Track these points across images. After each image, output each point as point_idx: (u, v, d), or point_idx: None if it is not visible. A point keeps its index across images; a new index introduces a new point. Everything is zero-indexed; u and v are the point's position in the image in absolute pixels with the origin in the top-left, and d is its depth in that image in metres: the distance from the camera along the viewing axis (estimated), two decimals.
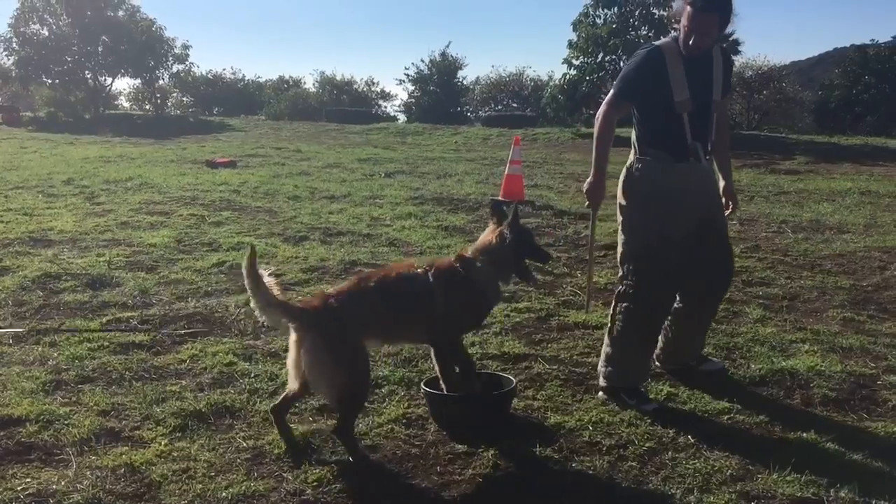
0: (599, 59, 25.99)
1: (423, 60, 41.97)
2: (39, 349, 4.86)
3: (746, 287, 6.46)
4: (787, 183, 13.75)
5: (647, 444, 3.67)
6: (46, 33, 33.92)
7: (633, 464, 3.51)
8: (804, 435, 3.77)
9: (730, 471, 3.43)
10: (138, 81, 38.62)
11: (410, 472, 3.47)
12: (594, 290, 5.89)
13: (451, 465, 3.51)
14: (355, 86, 44.54)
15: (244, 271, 3.46)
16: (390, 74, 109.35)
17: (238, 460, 3.52)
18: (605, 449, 3.64)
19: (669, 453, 3.60)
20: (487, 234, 3.91)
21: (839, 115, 30.61)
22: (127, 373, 4.49)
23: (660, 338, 4.48)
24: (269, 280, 3.50)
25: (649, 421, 3.91)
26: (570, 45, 26.11)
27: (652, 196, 4.17)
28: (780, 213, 10.32)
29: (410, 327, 3.80)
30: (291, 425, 3.75)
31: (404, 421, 3.92)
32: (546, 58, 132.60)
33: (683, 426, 3.87)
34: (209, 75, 45.45)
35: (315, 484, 3.34)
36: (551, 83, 33.67)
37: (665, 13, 25.16)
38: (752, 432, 3.82)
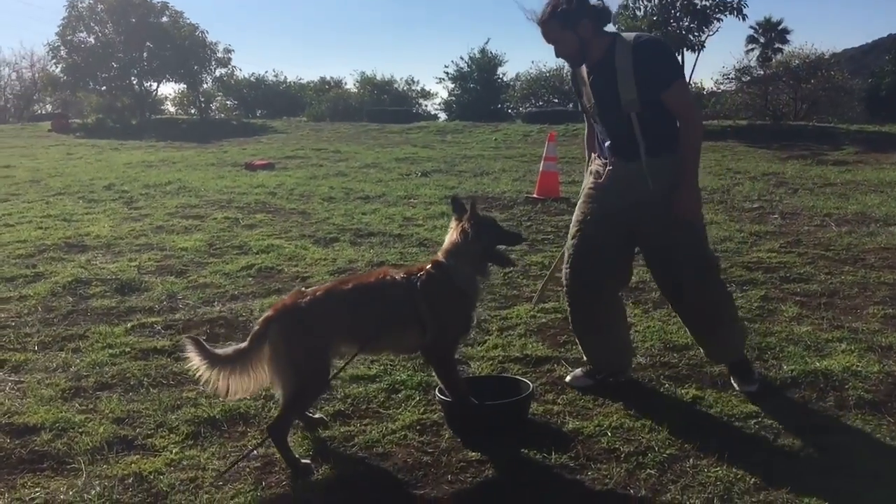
0: None
1: (462, 58, 41.94)
2: (63, 355, 4.88)
3: (784, 283, 6.24)
4: (833, 174, 13.34)
5: (667, 451, 3.53)
6: (93, 41, 34.59)
7: (652, 472, 3.37)
8: (836, 440, 3.60)
9: (753, 479, 3.27)
10: (183, 86, 39.31)
11: (421, 480, 3.38)
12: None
13: (463, 474, 3.41)
14: (395, 85, 44.61)
15: (203, 365, 3.52)
16: (430, 73, 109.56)
17: (248, 469, 3.48)
18: (623, 456, 3.51)
19: (691, 460, 3.46)
20: (452, 234, 3.84)
21: (890, 103, 29.72)
22: (145, 379, 4.49)
23: None
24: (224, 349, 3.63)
25: (671, 426, 3.76)
26: None
27: (581, 193, 4.39)
28: (824, 205, 10.00)
29: (390, 335, 3.72)
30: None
31: (418, 427, 3.83)
32: None
33: (708, 431, 3.73)
34: (252, 78, 45.91)
35: (324, 493, 3.29)
36: None
37: (707, 2, 24.72)
38: (780, 438, 3.65)
